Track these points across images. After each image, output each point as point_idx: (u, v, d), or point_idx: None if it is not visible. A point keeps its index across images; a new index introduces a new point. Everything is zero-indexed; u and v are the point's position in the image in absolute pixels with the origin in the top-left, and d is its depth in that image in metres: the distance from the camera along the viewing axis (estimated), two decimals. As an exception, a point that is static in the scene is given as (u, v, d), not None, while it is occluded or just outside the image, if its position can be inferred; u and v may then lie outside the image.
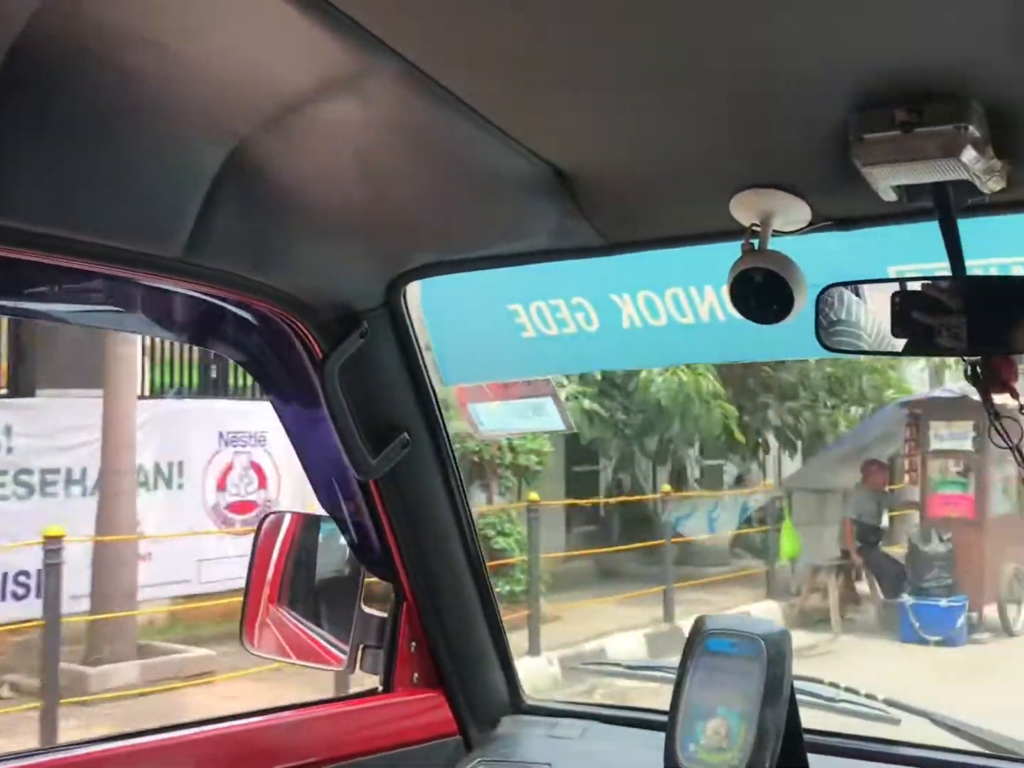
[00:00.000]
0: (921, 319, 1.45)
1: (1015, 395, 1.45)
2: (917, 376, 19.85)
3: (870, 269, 1.63)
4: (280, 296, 1.83)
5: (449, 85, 1.34)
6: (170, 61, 1.28)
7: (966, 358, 1.46)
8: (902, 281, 1.50)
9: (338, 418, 1.93)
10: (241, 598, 2.33)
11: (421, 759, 2.17)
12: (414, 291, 2.15)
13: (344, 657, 2.26)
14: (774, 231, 1.56)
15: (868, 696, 2.14)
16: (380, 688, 2.20)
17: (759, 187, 1.53)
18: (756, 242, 1.56)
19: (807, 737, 1.96)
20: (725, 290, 1.59)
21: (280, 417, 2.08)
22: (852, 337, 1.51)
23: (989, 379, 1.45)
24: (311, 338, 1.91)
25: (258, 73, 1.35)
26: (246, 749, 1.96)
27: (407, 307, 1.98)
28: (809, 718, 1.98)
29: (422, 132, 1.50)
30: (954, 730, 2.12)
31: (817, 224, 1.58)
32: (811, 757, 1.95)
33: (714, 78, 1.30)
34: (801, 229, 1.59)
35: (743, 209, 1.56)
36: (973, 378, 1.46)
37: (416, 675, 2.22)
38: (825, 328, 1.51)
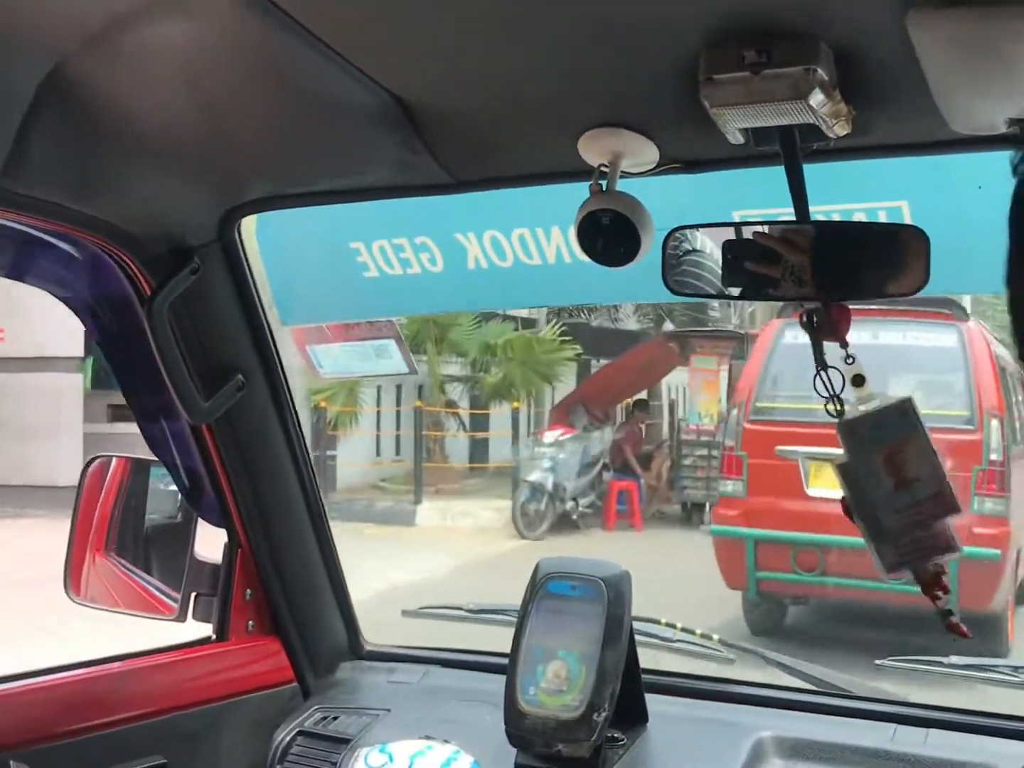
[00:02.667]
0: (764, 264, 1.45)
1: (844, 344, 1.47)
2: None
3: (719, 213, 1.63)
4: (105, 228, 1.73)
5: (283, 4, 1.26)
6: None
7: (805, 304, 1.47)
8: (747, 225, 1.50)
9: (167, 359, 1.84)
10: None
11: (257, 708, 2.12)
12: (250, 227, 2.06)
13: (176, 606, 2.19)
14: (622, 172, 1.53)
15: (703, 636, 2.18)
16: (213, 637, 2.14)
17: (608, 126, 1.50)
18: (604, 183, 1.53)
19: (644, 677, 1.99)
20: (573, 232, 1.56)
21: (107, 358, 1.98)
22: (698, 280, 1.50)
23: (824, 327, 1.46)
24: (139, 274, 1.81)
25: None
26: (73, 701, 1.87)
27: (242, 243, 1.89)
28: (646, 658, 2.01)
29: (255, 55, 1.42)
30: (785, 668, 2.18)
31: (665, 166, 1.56)
32: (648, 697, 1.98)
33: (561, 10, 1.26)
34: (649, 171, 1.56)
35: (591, 149, 1.52)
36: (808, 325, 1.47)
37: (251, 623, 2.17)
38: (671, 271, 1.50)
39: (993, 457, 8.43)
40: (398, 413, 17.52)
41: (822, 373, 1.48)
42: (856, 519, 1.49)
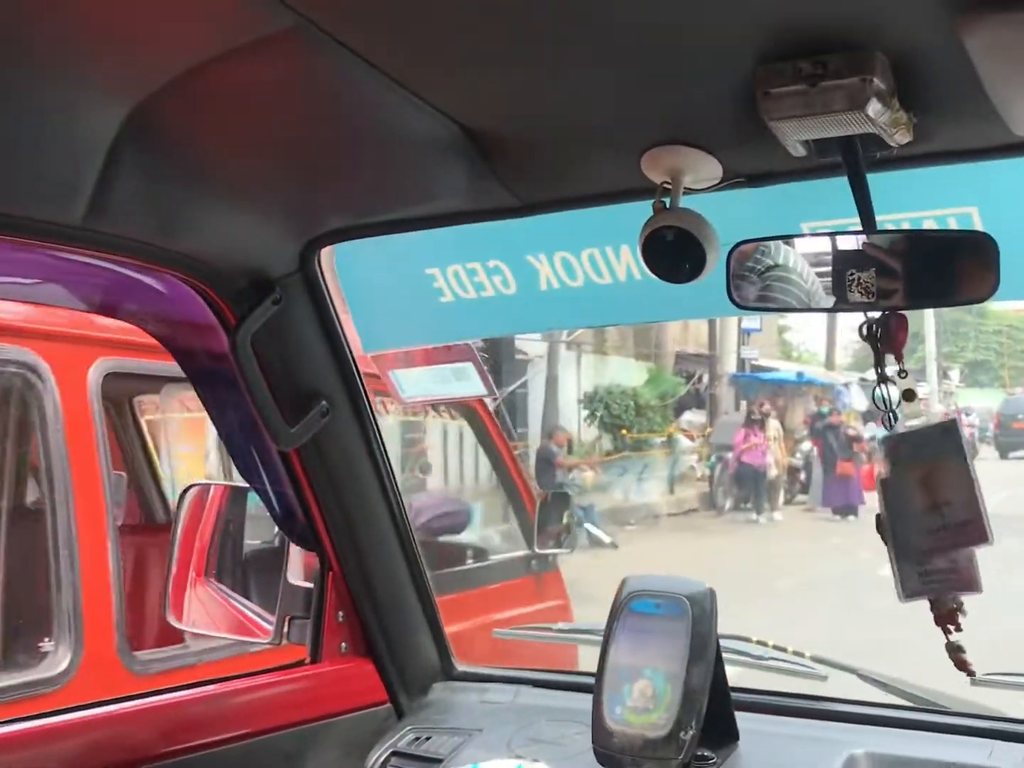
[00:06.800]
0: (831, 275, 1.44)
1: (900, 357, 1.47)
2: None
3: (785, 226, 1.61)
4: (188, 263, 1.79)
5: (346, 41, 1.30)
6: (64, 19, 1.23)
7: (867, 314, 1.45)
8: (812, 237, 1.49)
9: (253, 388, 1.89)
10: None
11: (351, 728, 2.15)
12: (330, 257, 2.11)
13: (272, 629, 2.24)
14: (685, 188, 1.53)
15: (795, 653, 2.15)
16: (308, 659, 2.18)
17: (669, 144, 1.51)
18: (668, 200, 1.54)
19: (734, 695, 1.96)
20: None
21: (196, 388, 2.04)
22: (763, 295, 1.49)
23: (885, 337, 1.45)
24: (223, 306, 1.87)
25: (156, 33, 1.30)
26: (169, 724, 1.93)
27: (322, 273, 1.94)
28: (738, 677, 1.99)
29: (327, 93, 1.46)
30: (880, 684, 2.14)
31: (728, 181, 1.56)
32: (739, 715, 1.96)
33: (619, 32, 1.27)
34: (712, 186, 1.56)
35: (654, 166, 1.53)
36: (870, 337, 1.46)
37: (344, 644, 2.20)
38: (736, 286, 1.49)
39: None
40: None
41: (881, 386, 1.48)
42: (886, 536, 1.50)
